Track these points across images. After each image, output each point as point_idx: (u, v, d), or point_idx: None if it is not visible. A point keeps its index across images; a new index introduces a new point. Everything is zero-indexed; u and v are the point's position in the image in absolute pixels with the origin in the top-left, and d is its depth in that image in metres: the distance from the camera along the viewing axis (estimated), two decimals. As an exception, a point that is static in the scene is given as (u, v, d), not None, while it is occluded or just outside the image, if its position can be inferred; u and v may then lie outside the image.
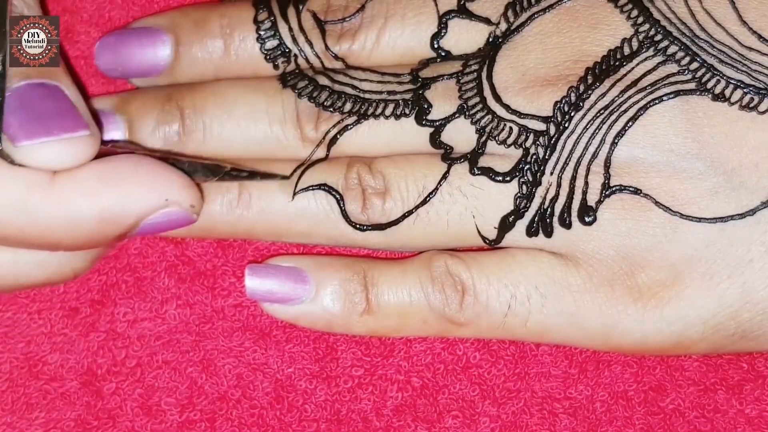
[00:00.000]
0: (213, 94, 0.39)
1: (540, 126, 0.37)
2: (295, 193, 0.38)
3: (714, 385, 0.38)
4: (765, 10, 0.36)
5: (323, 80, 0.39)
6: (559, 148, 0.37)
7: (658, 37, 0.37)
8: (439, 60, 0.39)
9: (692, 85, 0.36)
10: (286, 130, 0.38)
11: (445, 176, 0.37)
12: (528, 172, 0.37)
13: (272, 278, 0.38)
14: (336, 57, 0.39)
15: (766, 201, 0.36)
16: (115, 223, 0.33)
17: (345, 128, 0.38)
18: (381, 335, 0.38)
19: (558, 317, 0.37)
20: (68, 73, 0.34)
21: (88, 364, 0.38)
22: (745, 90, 0.36)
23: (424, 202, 0.37)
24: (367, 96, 0.38)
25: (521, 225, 0.37)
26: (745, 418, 0.38)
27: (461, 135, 0.37)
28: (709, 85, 0.36)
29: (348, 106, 0.38)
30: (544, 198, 0.37)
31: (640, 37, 0.37)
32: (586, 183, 0.36)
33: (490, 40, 0.38)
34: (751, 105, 0.36)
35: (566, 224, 0.37)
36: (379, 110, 0.38)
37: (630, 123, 0.36)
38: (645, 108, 0.36)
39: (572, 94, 0.37)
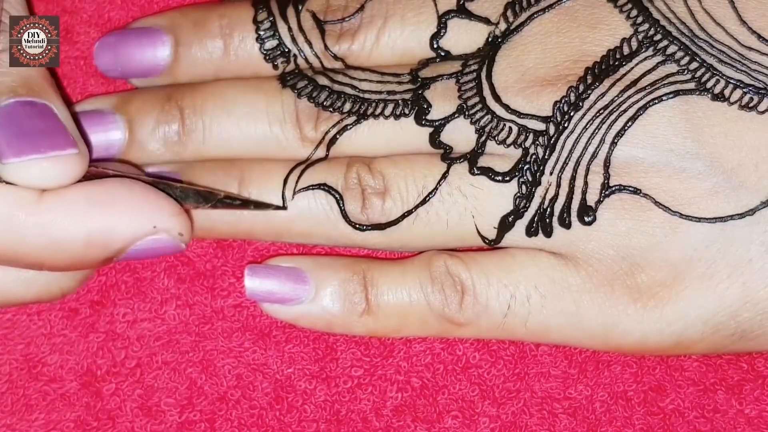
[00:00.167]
0: (213, 94, 0.39)
1: (539, 126, 0.37)
2: (294, 193, 0.38)
3: (714, 385, 0.38)
4: (764, 10, 0.36)
5: (323, 80, 0.39)
6: (558, 147, 0.37)
7: (658, 37, 0.37)
8: (438, 60, 0.39)
9: (692, 85, 0.36)
10: (285, 130, 0.38)
11: (444, 176, 0.37)
12: (527, 172, 0.37)
13: (272, 278, 0.38)
14: (335, 57, 0.39)
15: (766, 201, 0.36)
16: (101, 246, 0.32)
17: (344, 128, 0.38)
18: (381, 335, 0.38)
19: (558, 317, 0.37)
20: (57, 91, 0.34)
21: (87, 365, 0.38)
22: (744, 90, 0.36)
23: (423, 202, 0.37)
24: (366, 96, 0.38)
25: (521, 225, 0.37)
26: (745, 418, 0.38)
27: (461, 135, 0.37)
28: (709, 84, 0.36)
29: (347, 106, 0.38)
30: (544, 198, 0.37)
31: (640, 37, 0.37)
32: (586, 183, 0.36)
33: (490, 40, 0.38)
34: (751, 105, 0.36)
35: (566, 224, 0.37)
36: (378, 110, 0.38)
37: (629, 123, 0.36)
38: (644, 108, 0.36)
39: (572, 94, 0.37)
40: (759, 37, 0.36)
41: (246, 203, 0.37)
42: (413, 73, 0.38)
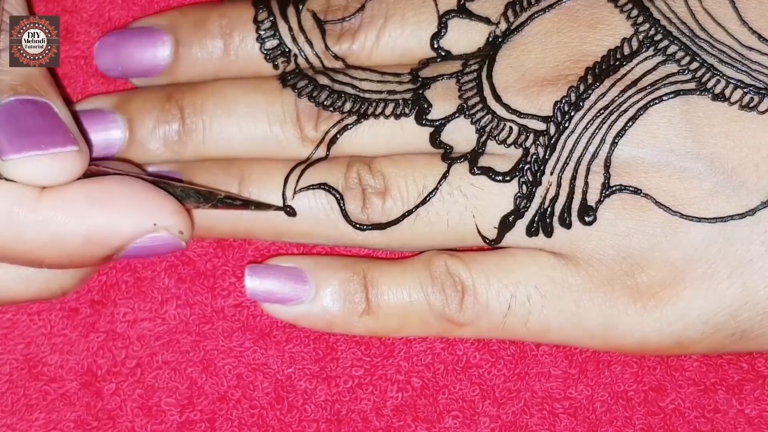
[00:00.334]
0: (213, 94, 0.39)
1: (540, 126, 0.37)
2: (295, 193, 0.38)
3: (714, 385, 0.38)
4: (765, 10, 0.36)
5: (323, 80, 0.39)
6: (559, 147, 0.37)
7: (658, 37, 0.37)
8: (439, 60, 0.39)
9: (692, 85, 0.36)
10: (285, 129, 0.38)
11: (445, 176, 0.37)
12: (528, 171, 0.37)
13: (272, 278, 0.38)
14: (336, 57, 0.39)
15: (766, 201, 0.36)
16: (101, 244, 0.32)
17: (345, 128, 0.38)
18: (381, 335, 0.38)
19: (558, 317, 0.37)
20: (57, 89, 0.34)
21: (87, 364, 0.38)
22: (745, 90, 0.36)
23: (424, 201, 0.37)
24: (367, 96, 0.38)
25: (521, 225, 0.37)
26: (745, 418, 0.38)
27: (461, 135, 0.37)
28: (709, 84, 0.36)
29: (348, 106, 0.38)
30: (544, 198, 0.37)
31: (640, 37, 0.37)
32: (586, 183, 0.36)
33: (490, 39, 0.38)
34: (751, 105, 0.36)
35: (566, 224, 0.37)
36: (379, 110, 0.38)
37: (630, 123, 0.36)
38: (645, 108, 0.36)
39: (572, 94, 0.37)
40: (759, 37, 0.36)
41: (246, 203, 0.37)
42: (414, 73, 0.38)
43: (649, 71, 0.36)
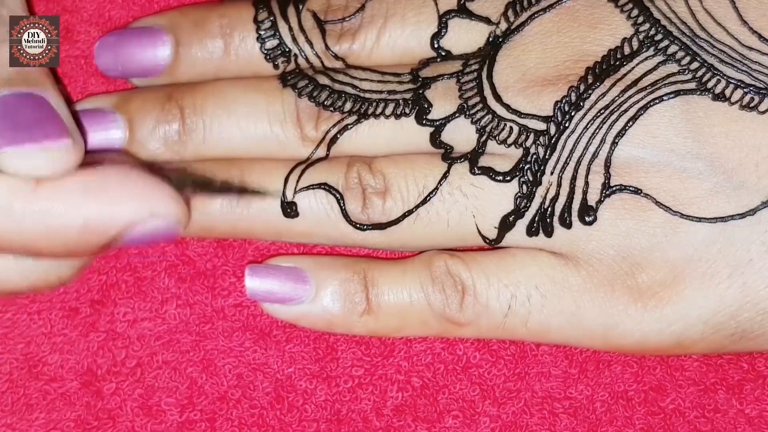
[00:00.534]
0: (213, 94, 0.39)
1: (540, 126, 0.37)
2: (295, 193, 0.38)
3: (714, 385, 0.38)
4: (765, 10, 0.36)
5: (323, 80, 0.38)
6: (559, 147, 0.37)
7: (659, 37, 0.37)
8: (439, 60, 0.39)
9: (692, 85, 0.36)
10: (286, 129, 0.38)
11: (445, 176, 0.37)
12: (528, 171, 0.37)
13: (272, 278, 0.38)
14: (336, 57, 0.39)
15: (767, 201, 0.36)
16: (98, 233, 0.32)
17: (345, 128, 0.38)
18: (381, 335, 0.38)
19: (558, 317, 0.37)
20: (54, 82, 0.34)
21: (88, 364, 0.38)
22: (745, 90, 0.36)
23: (424, 201, 0.37)
24: (367, 95, 0.38)
25: (521, 225, 0.37)
26: (745, 418, 0.38)
27: (461, 134, 0.37)
28: (710, 84, 0.36)
29: (348, 106, 0.38)
30: (545, 198, 0.37)
31: (641, 37, 0.37)
32: (587, 183, 0.36)
33: (491, 39, 0.38)
34: (752, 105, 0.36)
35: (566, 224, 0.37)
36: (379, 110, 0.38)
37: (630, 123, 0.36)
38: (645, 108, 0.36)
39: (573, 94, 0.36)
40: (760, 37, 0.36)
41: (243, 190, 0.37)
42: (414, 73, 0.38)
43: (650, 71, 0.36)
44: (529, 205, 0.37)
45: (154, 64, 0.39)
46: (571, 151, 0.36)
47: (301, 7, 0.39)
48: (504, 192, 0.37)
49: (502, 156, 0.37)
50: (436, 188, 0.37)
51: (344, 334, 0.39)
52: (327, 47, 0.39)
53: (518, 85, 0.37)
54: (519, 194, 0.37)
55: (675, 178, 0.36)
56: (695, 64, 0.36)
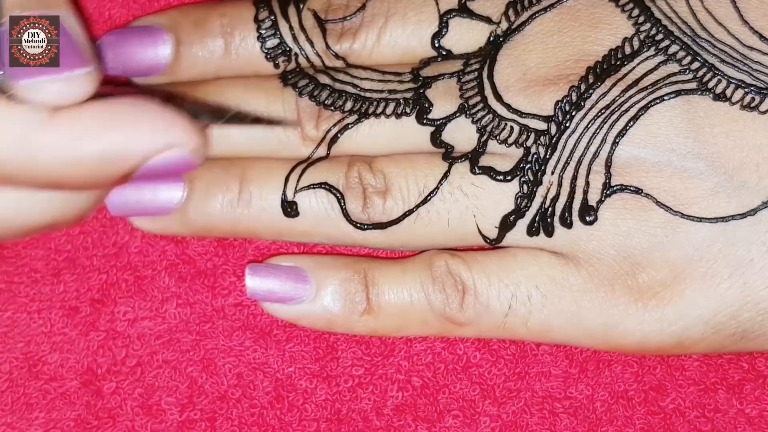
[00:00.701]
0: (213, 93, 0.39)
1: (541, 125, 0.37)
2: (296, 192, 0.38)
3: (714, 384, 0.38)
4: (766, 10, 0.36)
5: (324, 79, 0.38)
6: (560, 147, 0.36)
7: (659, 37, 0.37)
8: (440, 59, 0.39)
9: (693, 85, 0.36)
10: (286, 128, 0.38)
11: (445, 175, 0.37)
12: (529, 171, 0.37)
13: (273, 278, 0.38)
14: (337, 56, 0.39)
15: (767, 201, 0.36)
16: (116, 163, 0.32)
17: (346, 127, 0.38)
18: (381, 335, 0.38)
19: (558, 317, 0.37)
20: (71, 4, 0.33)
21: (88, 363, 0.38)
22: (746, 90, 0.36)
23: (424, 201, 0.37)
24: (368, 95, 0.38)
25: (522, 224, 0.37)
26: (746, 418, 0.38)
27: (462, 134, 0.37)
28: (711, 84, 0.36)
29: (349, 105, 0.38)
30: (545, 197, 0.37)
31: (641, 37, 0.37)
32: (587, 182, 0.36)
33: (491, 39, 0.38)
34: (752, 105, 0.36)
35: (567, 224, 0.37)
36: (380, 109, 0.38)
37: (631, 122, 0.36)
38: (646, 107, 0.36)
39: (573, 94, 0.36)
40: (761, 37, 0.36)
41: (257, 120, 0.37)
42: (414, 72, 0.38)
43: (651, 71, 0.36)
44: (530, 205, 0.37)
45: (154, 63, 0.39)
46: (572, 151, 0.36)
47: (301, 6, 0.39)
48: (505, 192, 0.37)
49: (502, 156, 0.37)
50: (437, 188, 0.37)
51: (344, 334, 0.39)
52: (328, 46, 0.39)
53: (519, 85, 0.37)
54: (520, 194, 0.37)
55: (676, 178, 0.36)
56: (696, 64, 0.36)
